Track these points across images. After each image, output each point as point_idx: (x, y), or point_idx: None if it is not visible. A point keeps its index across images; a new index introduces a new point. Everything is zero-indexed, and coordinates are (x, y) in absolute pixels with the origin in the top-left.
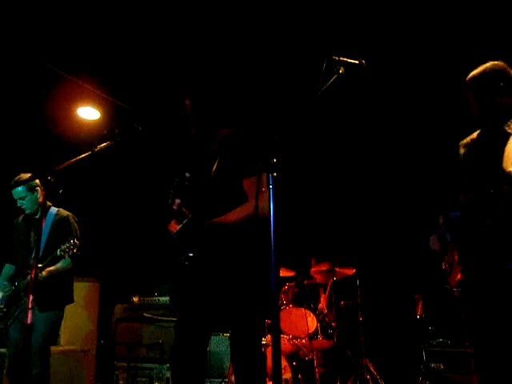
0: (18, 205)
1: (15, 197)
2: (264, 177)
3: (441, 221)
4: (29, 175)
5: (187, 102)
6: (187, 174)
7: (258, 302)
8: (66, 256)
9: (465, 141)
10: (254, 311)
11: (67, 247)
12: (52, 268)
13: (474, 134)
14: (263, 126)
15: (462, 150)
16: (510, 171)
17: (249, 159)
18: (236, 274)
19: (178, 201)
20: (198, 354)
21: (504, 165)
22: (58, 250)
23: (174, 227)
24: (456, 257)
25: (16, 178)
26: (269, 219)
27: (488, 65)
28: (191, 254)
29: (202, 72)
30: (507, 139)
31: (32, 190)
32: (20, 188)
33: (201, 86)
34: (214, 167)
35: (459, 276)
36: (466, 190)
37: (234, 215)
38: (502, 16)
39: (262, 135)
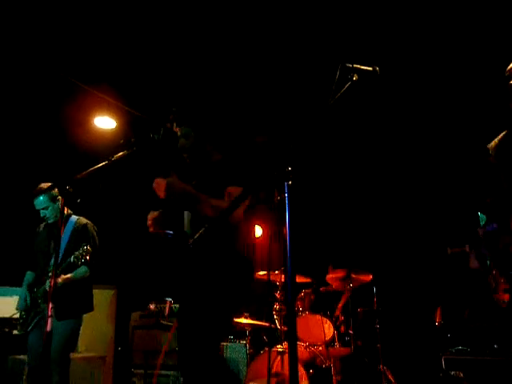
0: (41, 215)
1: (37, 207)
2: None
3: (480, 233)
4: (48, 185)
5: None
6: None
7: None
8: (79, 263)
9: (493, 143)
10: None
11: (80, 253)
12: (68, 276)
13: (500, 136)
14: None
15: (492, 153)
16: None
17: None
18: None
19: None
20: (201, 357)
21: None
22: (72, 257)
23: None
24: (496, 272)
25: (37, 189)
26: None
27: None
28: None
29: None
30: None
31: (54, 199)
32: (42, 198)
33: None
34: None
35: (506, 296)
36: (506, 194)
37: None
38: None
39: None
